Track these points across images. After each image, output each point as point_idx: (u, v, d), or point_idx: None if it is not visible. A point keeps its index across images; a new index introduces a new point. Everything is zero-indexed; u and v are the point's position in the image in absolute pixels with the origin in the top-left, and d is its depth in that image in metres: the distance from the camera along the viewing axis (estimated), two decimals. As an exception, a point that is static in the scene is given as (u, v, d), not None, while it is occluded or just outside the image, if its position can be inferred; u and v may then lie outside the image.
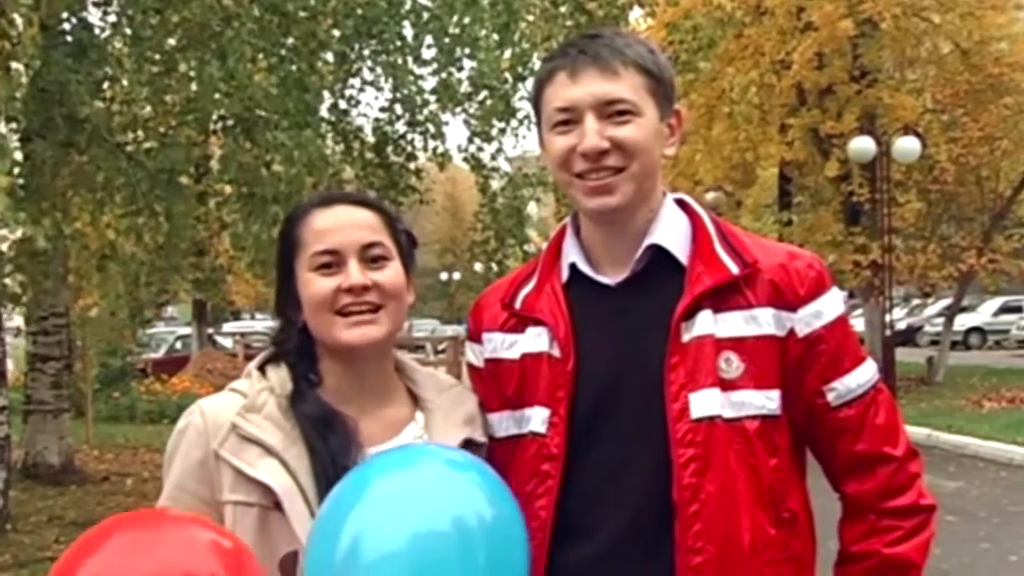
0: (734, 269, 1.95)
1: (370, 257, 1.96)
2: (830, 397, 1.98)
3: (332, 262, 1.94)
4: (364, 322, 1.93)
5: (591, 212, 2.00)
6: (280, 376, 1.97)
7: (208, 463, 1.89)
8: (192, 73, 10.19)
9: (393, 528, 1.62)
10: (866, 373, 2.01)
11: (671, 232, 2.01)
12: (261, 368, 2.01)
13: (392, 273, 1.97)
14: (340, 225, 1.96)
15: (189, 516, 1.67)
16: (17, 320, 11.58)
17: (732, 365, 1.91)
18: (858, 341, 2.07)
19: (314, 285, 1.94)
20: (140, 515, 1.71)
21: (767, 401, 1.93)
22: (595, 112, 1.94)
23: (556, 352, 1.99)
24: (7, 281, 9.36)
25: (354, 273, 1.93)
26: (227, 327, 34.53)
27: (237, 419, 1.90)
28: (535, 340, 2.03)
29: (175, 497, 1.91)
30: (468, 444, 2.00)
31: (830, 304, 1.99)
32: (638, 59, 1.97)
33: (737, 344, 1.92)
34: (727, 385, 1.91)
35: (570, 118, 1.96)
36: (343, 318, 1.93)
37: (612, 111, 1.94)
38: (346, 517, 1.66)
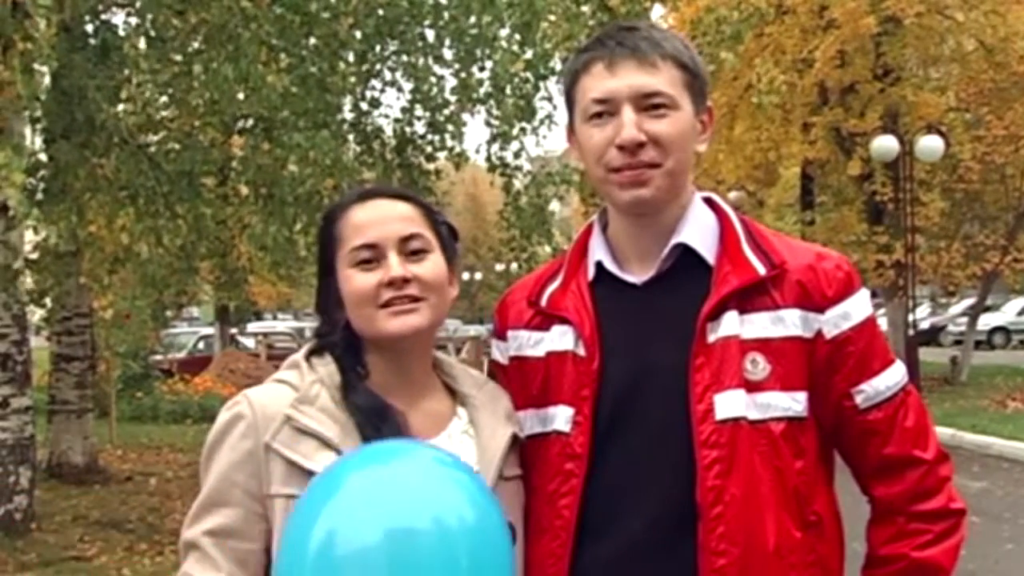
0: (761, 270, 1.94)
1: (410, 250, 1.94)
2: (858, 399, 1.95)
3: (372, 256, 1.93)
4: (405, 311, 1.91)
5: (624, 205, 1.98)
6: (328, 368, 1.95)
7: (258, 455, 1.86)
8: (205, 76, 10.20)
9: (370, 523, 1.54)
10: (895, 375, 1.99)
11: (699, 231, 2.00)
12: (307, 359, 1.98)
13: (432, 265, 1.95)
14: (378, 219, 1.95)
15: None
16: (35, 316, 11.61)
17: (758, 366, 1.90)
18: (886, 343, 2.04)
19: (355, 281, 1.93)
20: None
21: (793, 403, 1.91)
22: (633, 104, 1.92)
23: (581, 351, 1.98)
24: (28, 281, 9.40)
25: (394, 266, 1.91)
26: (249, 327, 34.60)
27: (291, 411, 1.88)
28: (560, 338, 2.02)
29: (223, 489, 1.87)
30: (515, 440, 1.99)
31: (858, 305, 1.97)
32: (676, 53, 1.96)
33: (763, 345, 1.90)
34: (752, 386, 1.89)
35: (606, 110, 1.94)
36: (384, 309, 1.91)
37: (649, 104, 1.93)
38: (321, 510, 1.59)
